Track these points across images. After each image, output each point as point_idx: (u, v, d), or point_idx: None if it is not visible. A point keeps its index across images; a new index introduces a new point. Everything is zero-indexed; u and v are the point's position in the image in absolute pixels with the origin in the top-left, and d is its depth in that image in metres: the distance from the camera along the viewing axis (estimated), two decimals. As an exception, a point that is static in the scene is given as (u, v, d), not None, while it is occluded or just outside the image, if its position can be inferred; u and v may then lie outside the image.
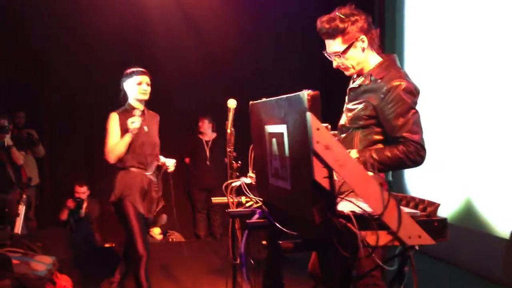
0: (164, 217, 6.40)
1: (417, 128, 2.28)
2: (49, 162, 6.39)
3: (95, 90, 6.41)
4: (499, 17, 4.38)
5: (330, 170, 1.40)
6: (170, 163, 3.73)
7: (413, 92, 2.30)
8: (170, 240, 6.38)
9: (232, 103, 3.07)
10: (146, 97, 3.61)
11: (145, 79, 3.59)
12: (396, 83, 2.29)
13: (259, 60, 6.82)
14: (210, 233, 6.82)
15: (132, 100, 3.64)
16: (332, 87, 5.16)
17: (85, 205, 6.11)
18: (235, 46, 6.66)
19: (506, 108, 4.31)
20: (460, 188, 4.90)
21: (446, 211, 5.05)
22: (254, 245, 2.32)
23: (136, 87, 3.58)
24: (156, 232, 6.34)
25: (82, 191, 6.08)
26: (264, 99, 1.83)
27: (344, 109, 2.54)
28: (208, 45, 6.67)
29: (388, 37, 6.08)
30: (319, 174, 1.40)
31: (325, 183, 1.40)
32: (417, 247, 1.74)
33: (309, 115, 1.38)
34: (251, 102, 1.98)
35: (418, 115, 2.31)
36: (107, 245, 6.29)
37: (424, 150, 2.28)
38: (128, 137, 3.50)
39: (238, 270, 2.76)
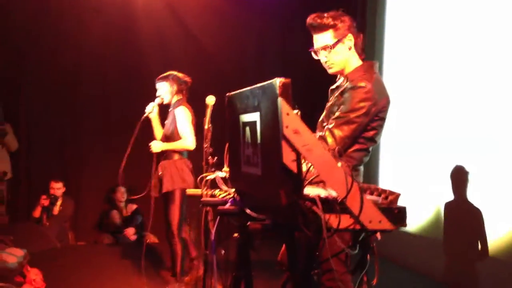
0: (138, 218, 6.40)
1: (346, 131, 2.35)
2: (25, 157, 6.34)
3: (73, 86, 6.43)
4: (477, 22, 4.53)
5: (298, 154, 1.48)
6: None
7: (371, 99, 2.35)
8: (145, 241, 6.37)
9: (210, 100, 3.15)
10: (165, 100, 4.25)
11: (157, 85, 4.26)
12: (360, 84, 2.38)
13: (240, 58, 6.88)
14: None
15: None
16: (313, 85, 5.28)
17: (59, 202, 6.08)
18: (218, 43, 6.70)
19: (481, 111, 4.42)
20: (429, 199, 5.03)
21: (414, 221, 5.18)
22: (228, 242, 2.38)
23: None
24: (130, 232, 6.33)
25: (57, 187, 6.05)
26: (239, 90, 1.90)
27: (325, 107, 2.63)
28: (192, 42, 6.69)
29: (368, 42, 6.21)
30: (288, 158, 1.47)
31: (293, 166, 1.47)
32: (379, 237, 1.84)
33: (280, 100, 1.45)
34: (227, 94, 2.05)
35: (361, 122, 2.35)
36: (79, 243, 6.26)
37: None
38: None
39: (209, 261, 2.80)
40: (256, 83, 1.65)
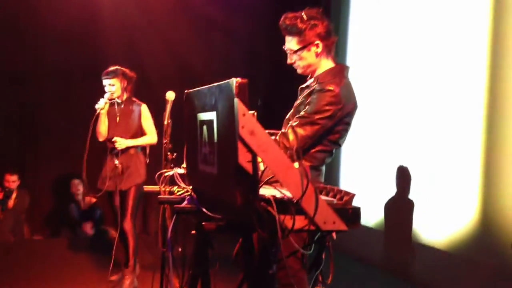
0: (97, 211, 6.30)
1: (308, 131, 2.35)
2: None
3: (31, 76, 6.25)
4: (439, 24, 4.67)
5: (254, 154, 1.47)
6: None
7: (338, 103, 2.35)
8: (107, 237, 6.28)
9: (170, 95, 3.11)
10: (114, 96, 4.21)
11: (107, 81, 4.19)
12: (329, 87, 2.38)
13: (205, 52, 6.82)
14: (144, 230, 6.76)
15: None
16: (282, 81, 5.29)
17: (14, 195, 5.91)
18: (182, 37, 6.62)
19: (438, 119, 4.60)
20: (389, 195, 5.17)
21: (372, 217, 5.31)
22: (186, 238, 2.36)
23: (105, 89, 4.21)
24: (88, 226, 6.23)
25: (12, 180, 5.88)
26: (198, 88, 1.88)
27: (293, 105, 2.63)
28: (155, 34, 6.59)
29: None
30: (243, 158, 1.46)
31: (248, 167, 1.47)
32: (334, 236, 1.86)
33: (236, 101, 1.44)
34: (186, 91, 2.03)
35: (324, 125, 2.35)
36: (35, 237, 6.10)
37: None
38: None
39: (166, 258, 2.78)
40: (221, 79, 1.62)
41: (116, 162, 4.18)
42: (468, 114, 4.23)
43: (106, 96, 4.20)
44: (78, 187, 6.26)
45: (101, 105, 4.14)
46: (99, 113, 4.14)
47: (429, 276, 4.50)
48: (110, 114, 4.27)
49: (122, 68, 4.25)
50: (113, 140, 4.19)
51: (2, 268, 4.43)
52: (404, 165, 4.96)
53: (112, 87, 4.18)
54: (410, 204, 4.82)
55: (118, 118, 4.25)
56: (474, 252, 4.10)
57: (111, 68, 4.22)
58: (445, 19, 4.60)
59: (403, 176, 4.97)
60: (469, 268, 4.12)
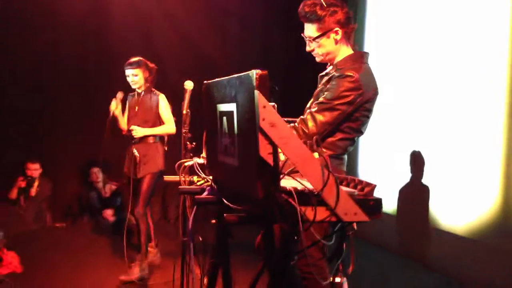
0: (118, 199, 6.38)
1: (327, 117, 2.34)
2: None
3: (49, 66, 6.32)
4: (461, 12, 4.60)
5: (274, 147, 1.47)
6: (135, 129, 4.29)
7: (358, 89, 2.33)
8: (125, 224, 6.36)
9: (189, 85, 3.12)
10: (136, 86, 4.31)
11: (130, 71, 4.25)
12: (348, 73, 2.35)
13: (223, 42, 6.82)
14: (164, 217, 6.83)
15: None
16: (299, 69, 5.23)
17: (36, 183, 6.01)
18: (199, 27, 6.62)
19: (458, 105, 4.55)
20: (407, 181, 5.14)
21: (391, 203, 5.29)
22: (205, 226, 2.39)
23: (128, 79, 4.28)
24: (109, 213, 6.31)
25: (34, 168, 5.97)
26: (217, 79, 1.88)
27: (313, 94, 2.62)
28: (173, 25, 6.60)
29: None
30: (264, 150, 1.46)
31: (269, 159, 1.47)
32: (355, 227, 1.85)
33: (256, 93, 1.44)
34: (204, 82, 2.03)
35: (344, 111, 2.33)
36: (57, 225, 6.21)
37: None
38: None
39: (187, 247, 2.81)
40: (237, 67, 1.61)
41: (134, 150, 4.25)
42: (489, 98, 4.17)
43: (118, 96, 4.37)
44: (98, 174, 6.35)
45: (114, 107, 4.34)
46: (113, 113, 4.34)
47: (448, 262, 4.48)
48: (130, 104, 4.41)
49: (144, 59, 4.31)
50: (130, 129, 4.30)
51: (27, 256, 4.52)
52: (418, 149, 4.98)
53: (135, 77, 4.25)
54: (425, 190, 4.85)
55: (136, 108, 4.35)
56: (495, 238, 4.06)
57: (134, 59, 4.27)
58: (466, 5, 4.51)
59: (416, 162, 4.99)
60: (489, 254, 4.09)
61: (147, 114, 4.34)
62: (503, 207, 4.01)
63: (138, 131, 4.27)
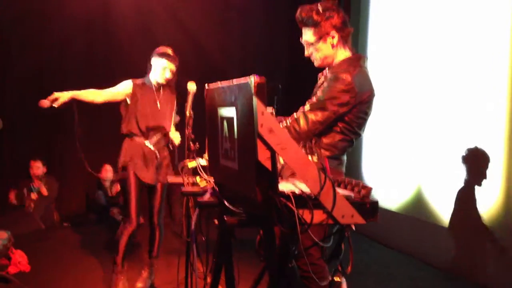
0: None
1: (319, 117, 2.37)
2: (8, 137, 6.29)
3: (57, 64, 6.36)
4: (462, 13, 4.61)
5: (272, 152, 1.51)
6: (174, 136, 3.83)
7: (351, 91, 2.35)
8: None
9: (192, 87, 3.16)
10: (164, 81, 3.73)
11: (171, 66, 3.71)
12: (341, 75, 2.39)
13: (225, 45, 6.86)
14: (170, 215, 6.88)
15: (152, 77, 3.76)
16: (300, 73, 5.23)
17: (43, 182, 6.09)
18: (203, 29, 6.66)
19: (456, 104, 4.57)
20: (410, 179, 5.16)
21: (395, 201, 5.32)
22: (209, 224, 2.43)
23: (160, 70, 3.70)
24: (115, 212, 6.37)
25: (36, 166, 6.04)
26: (218, 83, 1.93)
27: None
28: (176, 26, 6.63)
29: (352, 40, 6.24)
30: (263, 156, 1.51)
31: (267, 164, 1.51)
32: (353, 227, 1.89)
33: (255, 99, 1.48)
34: (206, 86, 2.07)
35: (336, 111, 2.36)
36: (65, 224, 6.29)
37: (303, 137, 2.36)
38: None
39: (191, 247, 2.86)
40: (239, 67, 1.65)
41: (157, 152, 3.78)
42: (491, 96, 4.18)
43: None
44: (109, 173, 6.40)
45: (47, 103, 3.71)
46: (60, 104, 3.74)
47: (445, 256, 4.50)
48: (146, 97, 3.75)
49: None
50: (170, 136, 3.81)
51: (35, 255, 4.59)
52: (419, 149, 4.97)
53: (171, 73, 3.72)
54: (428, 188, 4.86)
55: (159, 104, 3.78)
56: (496, 234, 4.09)
57: (173, 53, 3.74)
58: (467, 8, 4.52)
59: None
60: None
61: (170, 113, 3.83)
62: (503, 207, 4.03)
63: (179, 139, 3.78)
